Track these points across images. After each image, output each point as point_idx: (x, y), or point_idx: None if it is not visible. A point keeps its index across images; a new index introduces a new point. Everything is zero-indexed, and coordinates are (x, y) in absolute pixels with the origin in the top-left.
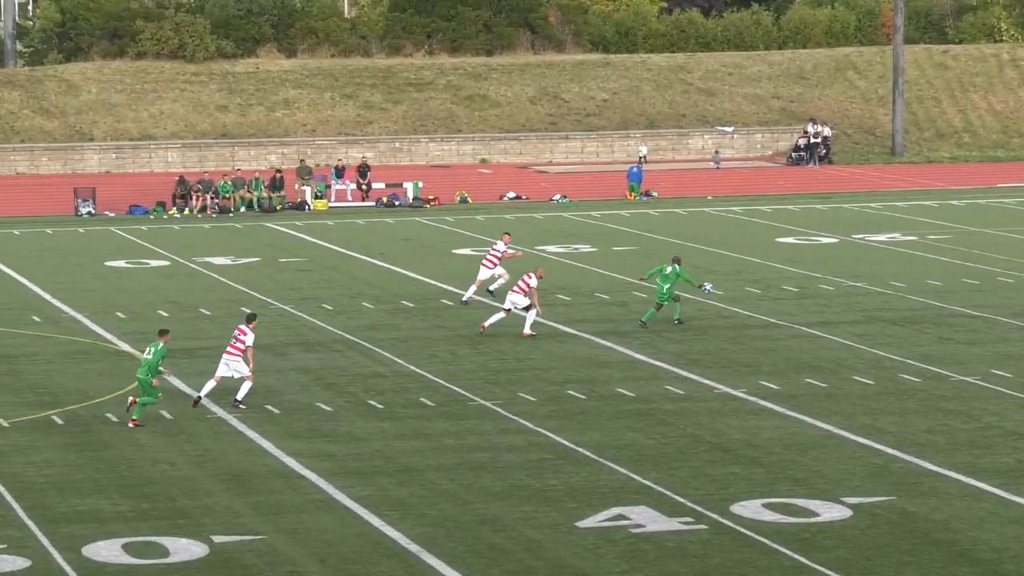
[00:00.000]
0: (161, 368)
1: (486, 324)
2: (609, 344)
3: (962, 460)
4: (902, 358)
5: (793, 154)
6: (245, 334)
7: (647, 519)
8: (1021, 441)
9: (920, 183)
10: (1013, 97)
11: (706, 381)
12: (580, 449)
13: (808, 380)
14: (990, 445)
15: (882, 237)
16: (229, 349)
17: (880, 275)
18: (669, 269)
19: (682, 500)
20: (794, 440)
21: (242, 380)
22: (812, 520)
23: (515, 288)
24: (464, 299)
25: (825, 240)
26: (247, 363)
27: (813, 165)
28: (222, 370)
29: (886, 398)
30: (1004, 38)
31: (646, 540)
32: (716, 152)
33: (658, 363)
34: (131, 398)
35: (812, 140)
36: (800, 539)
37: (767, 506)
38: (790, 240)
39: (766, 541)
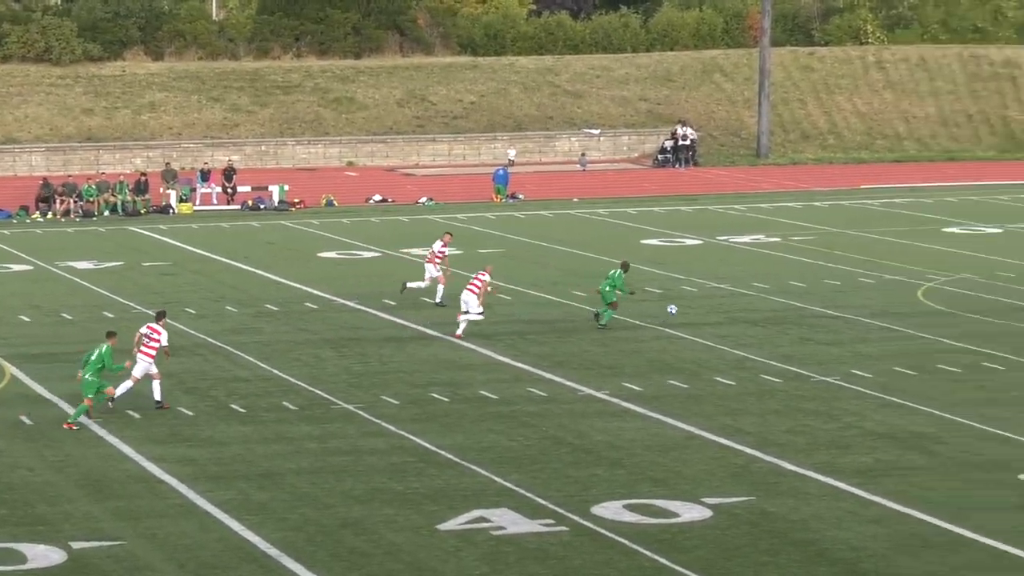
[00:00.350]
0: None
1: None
2: (472, 346)
3: (821, 460)
4: (763, 359)
5: (659, 156)
6: (159, 332)
7: (508, 521)
8: (879, 441)
9: (785, 185)
10: (878, 99)
11: (569, 383)
12: (442, 452)
13: (670, 381)
14: (849, 445)
15: (746, 239)
16: (143, 349)
17: (743, 276)
18: (614, 272)
19: (543, 502)
20: (656, 441)
21: (151, 380)
22: (672, 521)
23: (469, 287)
24: (438, 301)
25: (689, 242)
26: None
27: (679, 167)
28: (139, 370)
29: (747, 399)
30: (870, 40)
31: (507, 542)
32: (582, 154)
33: (521, 365)
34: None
35: (681, 142)
36: (660, 540)
37: (628, 507)
38: (654, 242)
39: (626, 542)
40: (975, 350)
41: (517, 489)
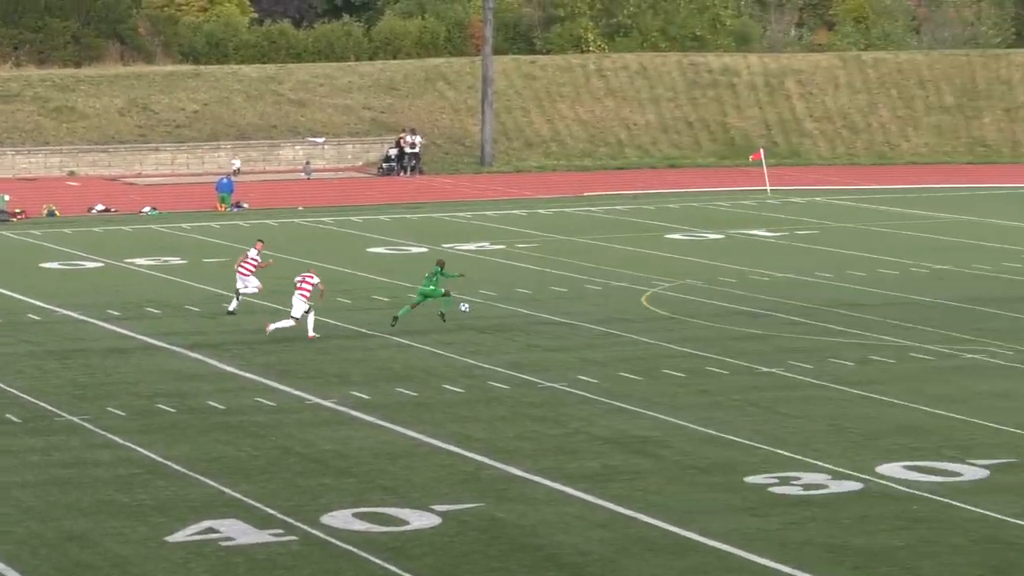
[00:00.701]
0: None
1: (272, 326)
2: (199, 356)
3: (549, 465)
4: (491, 366)
5: (384, 164)
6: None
7: (237, 532)
8: (606, 446)
9: (509, 192)
10: (599, 107)
11: (297, 392)
12: (170, 463)
13: (399, 389)
14: (576, 450)
15: (471, 246)
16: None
17: (470, 284)
18: (433, 271)
19: (273, 512)
20: (384, 449)
21: None
22: (402, 528)
23: (299, 292)
24: (230, 309)
25: (415, 249)
26: None
27: (404, 175)
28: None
29: (475, 405)
30: (591, 48)
31: (237, 553)
32: (307, 163)
33: (248, 375)
34: None
35: (410, 150)
36: (390, 547)
37: (357, 515)
38: (380, 250)
39: (356, 550)
40: (698, 354)
41: (246, 499)
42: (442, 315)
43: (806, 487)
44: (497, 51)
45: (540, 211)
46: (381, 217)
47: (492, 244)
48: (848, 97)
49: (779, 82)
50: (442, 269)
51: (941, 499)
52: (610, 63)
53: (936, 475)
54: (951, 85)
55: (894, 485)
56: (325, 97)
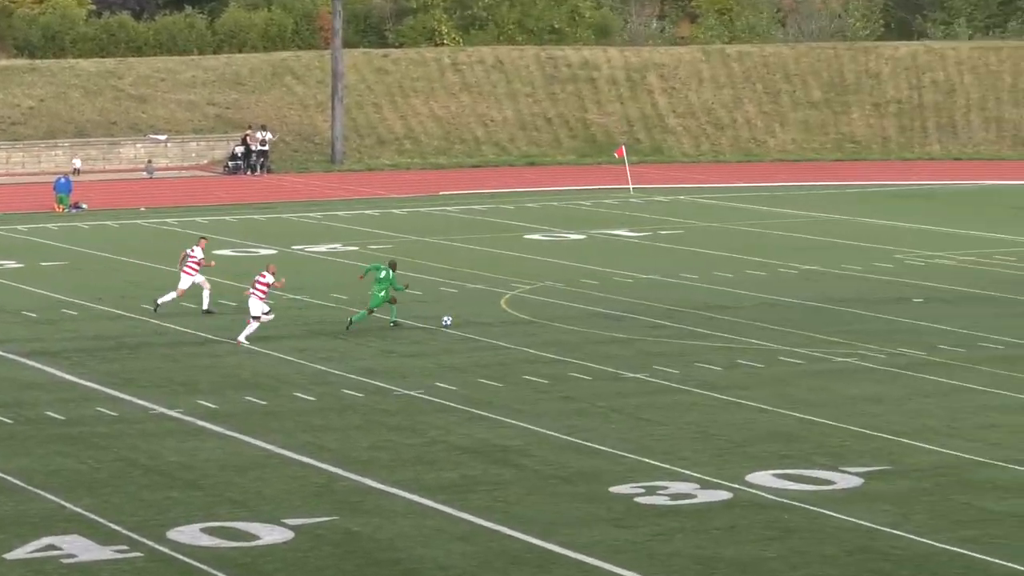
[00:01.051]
0: None
1: (240, 339)
2: (37, 365)
3: (406, 476)
4: (344, 372)
5: (230, 163)
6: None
7: (79, 548)
8: (465, 455)
9: (361, 192)
10: (455, 102)
11: (141, 401)
12: (7, 477)
13: (248, 398)
14: (435, 460)
15: (322, 248)
16: None
17: (321, 287)
18: (384, 273)
19: (117, 527)
20: (233, 461)
21: None
22: (252, 544)
23: (255, 293)
24: (158, 302)
25: (264, 251)
26: None
27: (251, 174)
28: None
29: (328, 414)
30: (445, 41)
31: (79, 570)
32: (149, 161)
33: (90, 384)
34: None
35: (260, 147)
36: (240, 563)
37: (206, 530)
38: (227, 252)
39: (204, 567)
40: (560, 359)
41: (88, 514)
42: (370, 311)
43: (673, 497)
44: (347, 44)
45: (394, 211)
46: (227, 218)
47: (344, 246)
48: (712, 92)
49: (641, 76)
50: (392, 272)
51: (813, 508)
52: (465, 57)
53: (808, 483)
54: (818, 79)
55: (764, 494)
56: (167, 92)
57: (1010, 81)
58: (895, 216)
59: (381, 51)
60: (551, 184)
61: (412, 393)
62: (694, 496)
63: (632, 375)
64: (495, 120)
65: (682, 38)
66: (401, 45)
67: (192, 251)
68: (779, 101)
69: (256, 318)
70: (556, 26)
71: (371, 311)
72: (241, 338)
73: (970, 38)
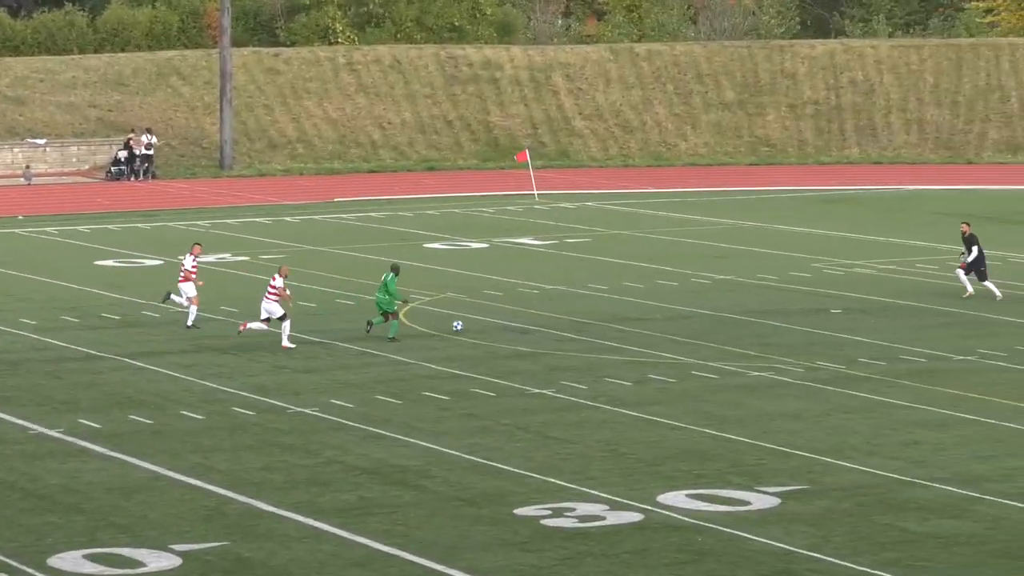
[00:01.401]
0: None
1: (285, 343)
2: None
3: (301, 499)
4: (235, 389)
5: (113, 168)
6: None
7: None
8: (363, 476)
9: (252, 198)
10: (350, 104)
11: (19, 421)
12: None
13: (132, 416)
14: (330, 482)
15: (211, 258)
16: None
17: (209, 300)
18: (389, 276)
19: None
20: (118, 483)
21: None
22: (138, 571)
23: (268, 297)
24: (164, 297)
25: (149, 262)
26: None
27: (135, 180)
28: None
29: (218, 433)
30: (339, 40)
31: None
32: (27, 167)
33: None
34: None
35: (145, 151)
36: None
37: (89, 557)
38: (111, 263)
39: None
40: (462, 375)
41: None
42: (369, 324)
43: (582, 519)
44: (236, 43)
45: (286, 219)
46: (110, 226)
47: (234, 256)
48: (620, 93)
49: (545, 77)
50: (394, 275)
51: (728, 530)
52: (361, 56)
53: (722, 504)
54: (731, 79)
55: (677, 515)
56: (46, 94)
57: (932, 81)
58: (813, 223)
59: (272, 50)
60: (452, 190)
61: (306, 411)
62: (603, 518)
63: (538, 391)
64: (393, 123)
65: (588, 36)
66: (293, 44)
67: (184, 260)
68: (690, 102)
69: (281, 318)
70: (456, 24)
71: (383, 313)
72: (285, 343)
73: (890, 36)
